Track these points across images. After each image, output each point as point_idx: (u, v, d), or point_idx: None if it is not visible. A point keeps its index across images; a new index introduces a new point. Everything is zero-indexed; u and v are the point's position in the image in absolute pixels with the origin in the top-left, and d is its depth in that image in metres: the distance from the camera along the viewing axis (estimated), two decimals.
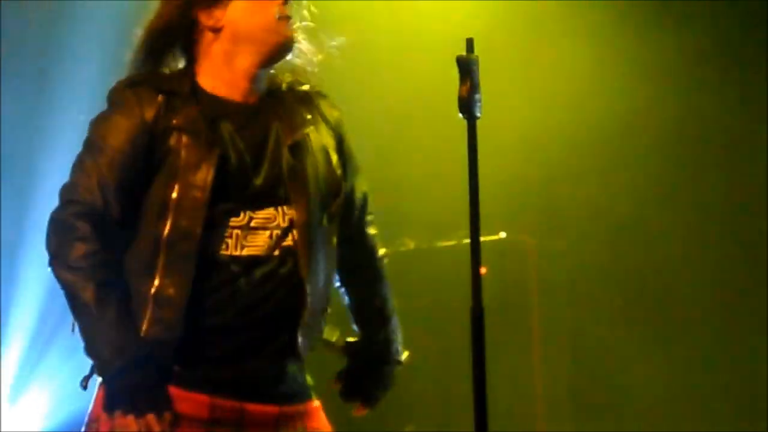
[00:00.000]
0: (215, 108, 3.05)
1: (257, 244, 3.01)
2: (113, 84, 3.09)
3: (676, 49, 6.14)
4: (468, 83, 3.14)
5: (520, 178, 6.20)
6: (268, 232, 3.02)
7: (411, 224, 6.35)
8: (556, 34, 6.30)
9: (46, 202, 3.08)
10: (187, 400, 2.95)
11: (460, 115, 3.17)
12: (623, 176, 6.25)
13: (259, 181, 3.02)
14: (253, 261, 3.00)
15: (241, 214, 3.01)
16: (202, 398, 2.96)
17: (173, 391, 2.93)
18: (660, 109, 6.19)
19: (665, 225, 6.21)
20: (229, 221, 2.99)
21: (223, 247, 2.98)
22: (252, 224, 3.01)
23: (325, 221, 3.09)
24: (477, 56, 3.16)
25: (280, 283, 3.01)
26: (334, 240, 3.15)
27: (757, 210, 6.03)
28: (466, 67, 3.15)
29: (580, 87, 6.25)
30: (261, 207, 3.02)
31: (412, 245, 6.34)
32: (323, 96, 3.27)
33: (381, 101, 6.26)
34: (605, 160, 6.25)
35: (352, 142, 3.33)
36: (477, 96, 3.14)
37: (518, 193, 6.18)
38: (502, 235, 6.09)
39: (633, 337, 6.15)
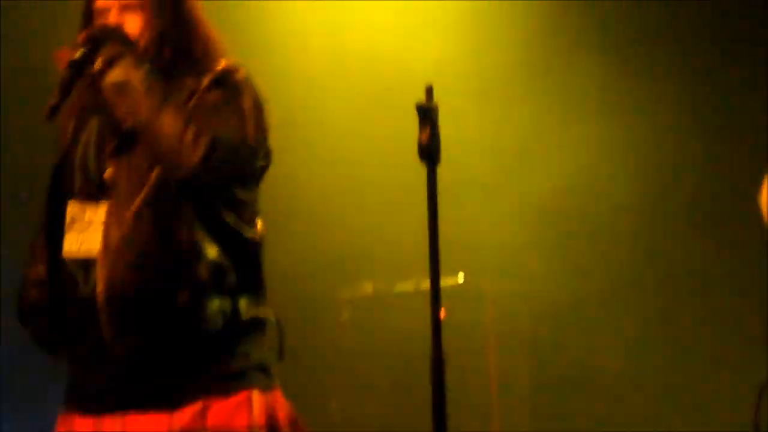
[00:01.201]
0: None
1: None
2: None
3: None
4: (428, 130, 3.17)
5: (477, 221, 6.21)
6: None
7: (370, 267, 6.35)
8: (523, 80, 6.34)
9: None
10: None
11: (420, 160, 3.20)
12: (585, 219, 6.27)
13: None
14: None
15: None
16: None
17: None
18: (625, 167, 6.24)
19: (627, 269, 6.23)
20: None
21: None
22: None
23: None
24: (436, 104, 3.19)
25: None
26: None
27: None
28: (426, 114, 3.18)
29: (538, 138, 6.30)
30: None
31: (370, 289, 6.33)
32: None
33: (342, 143, 6.27)
34: (564, 204, 6.26)
35: None
36: (437, 142, 3.18)
37: (475, 236, 6.18)
38: (461, 278, 6.09)
39: (592, 381, 6.15)
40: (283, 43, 6.34)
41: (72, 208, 3.06)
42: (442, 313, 5.97)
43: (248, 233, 3.07)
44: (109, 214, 2.99)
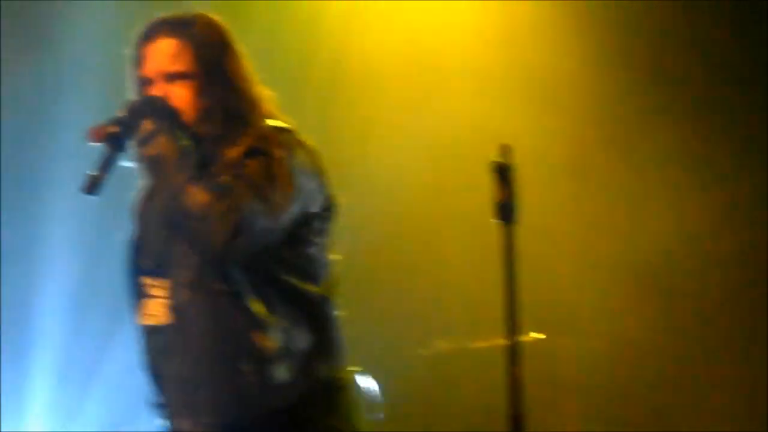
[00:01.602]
0: None
1: None
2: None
3: None
4: (504, 189, 3.18)
5: (551, 279, 6.20)
6: None
7: (445, 326, 6.35)
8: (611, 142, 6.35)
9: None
10: None
11: (496, 220, 3.21)
12: (671, 279, 6.24)
13: None
14: None
15: None
16: None
17: None
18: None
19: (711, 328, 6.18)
20: None
21: None
22: None
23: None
24: (513, 162, 3.20)
25: None
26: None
27: None
28: (502, 173, 3.19)
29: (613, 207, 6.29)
30: None
31: (446, 347, 6.33)
32: None
33: (416, 200, 6.29)
34: (638, 259, 6.24)
35: None
36: (513, 201, 3.18)
37: (553, 294, 6.17)
38: (536, 335, 6.08)
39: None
40: (362, 95, 6.39)
41: (144, 281, 3.12)
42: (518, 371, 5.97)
43: (313, 289, 3.06)
44: (169, 294, 3.05)
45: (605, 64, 6.30)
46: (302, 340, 3.00)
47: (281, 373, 2.97)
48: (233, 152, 2.98)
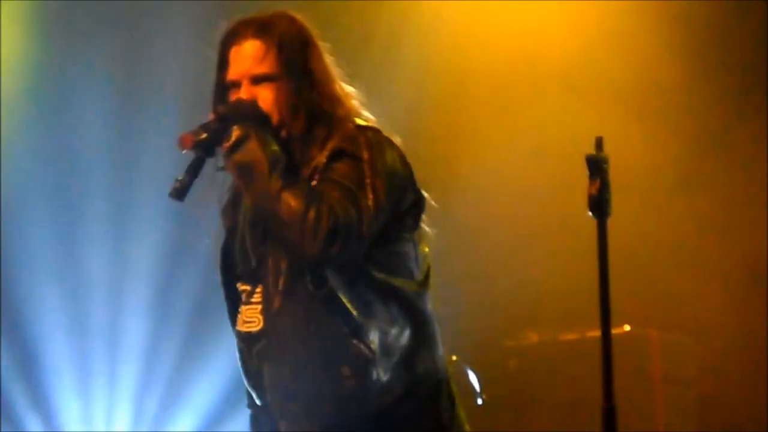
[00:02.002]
0: None
1: None
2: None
3: None
4: (598, 182, 3.18)
5: (645, 271, 6.19)
6: None
7: (535, 317, 6.36)
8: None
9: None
10: None
11: (589, 213, 3.21)
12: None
13: None
14: None
15: None
16: None
17: None
18: None
19: None
20: None
21: None
22: None
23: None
24: (607, 155, 3.19)
25: None
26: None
27: None
28: (596, 166, 3.18)
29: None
30: None
31: (536, 338, 6.34)
32: None
33: (509, 195, 6.31)
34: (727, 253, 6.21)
35: None
36: (606, 195, 3.18)
37: (642, 285, 6.15)
38: (627, 328, 6.07)
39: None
40: (451, 93, 6.43)
41: (240, 287, 3.12)
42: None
43: (407, 285, 3.04)
44: (263, 301, 3.05)
45: (702, 68, 6.27)
46: (400, 337, 2.99)
47: (381, 373, 2.96)
48: (321, 155, 2.97)
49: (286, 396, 3.03)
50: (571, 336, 6.05)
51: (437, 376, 3.06)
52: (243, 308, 3.10)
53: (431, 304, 3.11)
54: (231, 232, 3.15)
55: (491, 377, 6.28)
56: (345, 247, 2.87)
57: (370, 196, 2.92)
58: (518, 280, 6.32)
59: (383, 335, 2.98)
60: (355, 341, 2.96)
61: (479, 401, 2.81)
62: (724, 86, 6.28)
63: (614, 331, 5.71)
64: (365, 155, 2.96)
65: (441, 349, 3.10)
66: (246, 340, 3.09)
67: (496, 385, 6.27)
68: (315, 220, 2.84)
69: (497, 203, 6.38)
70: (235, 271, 3.13)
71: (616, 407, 3.16)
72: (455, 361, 3.20)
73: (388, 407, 2.98)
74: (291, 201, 2.87)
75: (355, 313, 2.97)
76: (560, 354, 6.07)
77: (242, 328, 3.09)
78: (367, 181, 2.93)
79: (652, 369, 6.05)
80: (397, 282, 3.03)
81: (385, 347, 2.98)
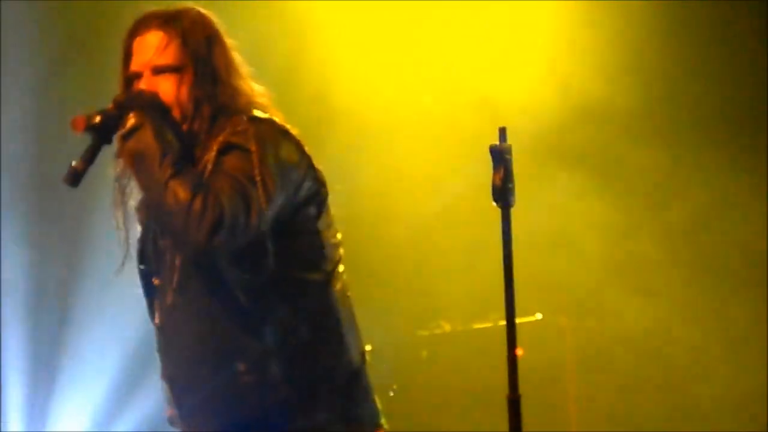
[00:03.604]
0: None
1: None
2: None
3: None
4: (501, 171, 3.19)
5: (551, 261, 6.23)
6: None
7: (447, 307, 6.38)
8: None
9: None
10: None
11: (494, 202, 3.22)
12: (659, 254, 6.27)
13: None
14: None
15: None
16: None
17: None
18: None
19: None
20: None
21: None
22: None
23: None
24: (510, 145, 3.21)
25: None
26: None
27: None
28: (500, 156, 3.20)
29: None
30: None
31: (448, 327, 6.36)
32: None
33: (417, 186, 6.33)
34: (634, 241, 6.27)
35: None
36: (510, 184, 3.20)
37: (550, 275, 6.19)
38: (538, 316, 6.11)
39: (671, 412, 6.12)
40: (362, 76, 6.43)
41: (154, 281, 3.11)
42: (520, 351, 6.01)
43: (313, 276, 3.03)
44: (159, 296, 3.05)
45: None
46: (303, 330, 2.98)
47: (279, 368, 2.95)
48: (213, 149, 2.95)
49: (182, 392, 3.02)
50: (484, 325, 6.08)
51: (346, 368, 3.04)
52: (156, 302, 3.09)
53: (343, 294, 3.09)
54: (145, 227, 3.13)
55: (404, 367, 6.30)
56: (230, 238, 2.85)
57: (260, 188, 2.89)
58: (431, 270, 6.33)
59: (281, 329, 2.96)
60: (250, 336, 2.94)
61: (391, 393, 2.80)
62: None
63: (526, 319, 5.87)
64: (254, 147, 2.93)
65: (353, 340, 3.07)
66: (156, 334, 3.09)
67: (410, 374, 6.30)
68: (200, 209, 2.82)
69: (407, 192, 6.39)
70: (151, 265, 3.11)
71: (520, 397, 3.18)
72: (369, 350, 3.15)
73: (288, 402, 2.96)
74: (178, 190, 2.84)
75: (250, 307, 2.95)
76: (473, 343, 6.10)
77: (155, 321, 3.09)
78: (256, 172, 2.90)
79: (564, 356, 6.10)
80: (303, 274, 3.01)
81: (284, 341, 2.96)
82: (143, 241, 3.13)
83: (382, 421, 3.10)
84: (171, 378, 3.05)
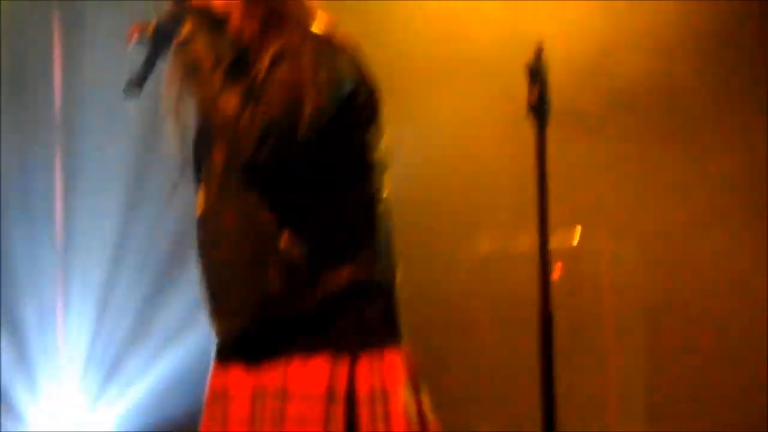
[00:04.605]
0: None
1: None
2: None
3: None
4: (537, 88, 3.20)
5: (591, 183, 6.21)
6: None
7: (486, 229, 6.38)
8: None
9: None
10: None
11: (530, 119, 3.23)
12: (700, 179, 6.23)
13: None
14: None
15: None
16: None
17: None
18: None
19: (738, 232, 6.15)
20: None
21: None
22: None
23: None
24: (546, 62, 3.21)
25: None
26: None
27: None
28: (536, 73, 3.20)
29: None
30: None
31: (485, 250, 6.37)
32: None
33: (452, 108, 6.30)
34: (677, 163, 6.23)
35: None
36: (545, 103, 3.20)
37: (589, 198, 6.18)
38: (576, 239, 6.10)
39: (711, 341, 6.11)
40: None
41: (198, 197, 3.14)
42: (557, 272, 6.03)
43: (357, 191, 3.02)
44: (204, 190, 3.07)
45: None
46: (336, 244, 2.98)
47: (310, 279, 2.96)
48: (266, 58, 2.94)
49: (216, 288, 3.05)
50: (524, 246, 6.05)
51: (378, 285, 3.04)
52: (200, 194, 3.12)
53: (383, 216, 3.07)
54: (199, 129, 3.13)
55: (443, 288, 6.34)
56: (278, 149, 2.87)
57: (310, 100, 2.89)
58: (470, 190, 6.33)
59: (316, 241, 2.97)
60: (285, 245, 2.95)
61: None
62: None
63: (563, 242, 5.86)
64: (307, 59, 2.92)
65: (387, 261, 3.07)
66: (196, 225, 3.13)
67: (449, 295, 6.33)
68: (249, 121, 2.85)
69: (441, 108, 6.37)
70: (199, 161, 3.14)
71: (552, 314, 3.20)
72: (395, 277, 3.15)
73: (314, 312, 2.97)
74: (228, 101, 2.88)
75: (289, 217, 2.96)
76: (514, 265, 6.09)
77: (198, 212, 3.12)
78: (308, 84, 2.90)
79: (600, 280, 6.10)
80: (340, 187, 3.01)
81: (318, 253, 2.97)
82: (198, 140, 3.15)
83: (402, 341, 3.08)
84: (206, 272, 3.07)
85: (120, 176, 6.35)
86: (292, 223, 2.96)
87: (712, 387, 6.06)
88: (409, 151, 6.03)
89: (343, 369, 2.95)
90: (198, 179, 3.15)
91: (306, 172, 2.96)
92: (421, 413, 3.04)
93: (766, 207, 6.07)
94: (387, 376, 2.99)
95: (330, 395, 2.93)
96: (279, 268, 2.96)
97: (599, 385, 5.99)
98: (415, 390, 3.05)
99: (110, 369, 6.40)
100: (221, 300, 3.04)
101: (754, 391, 6.01)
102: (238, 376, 3.03)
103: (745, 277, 6.06)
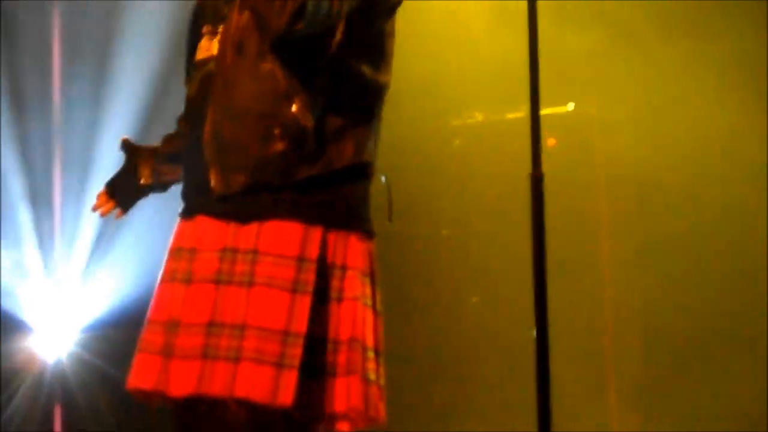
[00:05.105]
0: None
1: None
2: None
3: None
4: None
5: (586, 50, 6.20)
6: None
7: (480, 96, 6.39)
8: None
9: None
10: None
11: None
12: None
13: None
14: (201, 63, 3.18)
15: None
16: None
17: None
18: None
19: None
20: None
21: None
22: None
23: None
24: None
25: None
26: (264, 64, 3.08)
27: None
28: None
29: None
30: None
31: (480, 117, 6.40)
32: None
33: None
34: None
35: None
36: None
37: (583, 65, 6.17)
38: (570, 107, 6.13)
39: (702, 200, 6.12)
40: None
41: (203, 30, 3.20)
42: (552, 141, 6.07)
43: (369, 75, 3.10)
44: (221, 40, 3.11)
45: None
46: (340, 121, 3.06)
47: (310, 146, 3.03)
48: None
49: (214, 142, 3.09)
50: (517, 114, 6.08)
51: (369, 165, 3.14)
52: (201, 43, 3.19)
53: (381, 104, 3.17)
54: None
55: (437, 156, 6.38)
56: (310, 24, 2.94)
57: None
58: (461, 61, 6.33)
59: (324, 113, 3.04)
60: (294, 106, 3.02)
61: (383, 179, 2.83)
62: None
63: (556, 109, 5.89)
64: None
65: (374, 147, 3.16)
66: (197, 66, 3.18)
67: (442, 162, 6.37)
68: None
69: None
70: (201, 24, 3.21)
71: (543, 176, 3.25)
72: (384, 179, 3.22)
73: (307, 181, 3.04)
74: None
75: (303, 83, 3.02)
76: (506, 133, 6.12)
77: (198, 56, 3.18)
78: None
79: (593, 149, 6.13)
80: (354, 66, 3.08)
81: (323, 125, 3.04)
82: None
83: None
84: (209, 129, 3.10)
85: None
86: (306, 94, 3.02)
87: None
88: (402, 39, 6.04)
89: (315, 237, 3.02)
90: (193, 43, 3.23)
91: (329, 50, 3.02)
92: (375, 304, 3.12)
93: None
94: (350, 256, 3.06)
95: (301, 258, 2.99)
96: (288, 130, 3.02)
97: (592, 253, 6.06)
98: (373, 282, 3.12)
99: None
100: (226, 154, 3.07)
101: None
102: (208, 233, 3.07)
103: (735, 144, 6.06)
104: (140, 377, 3.05)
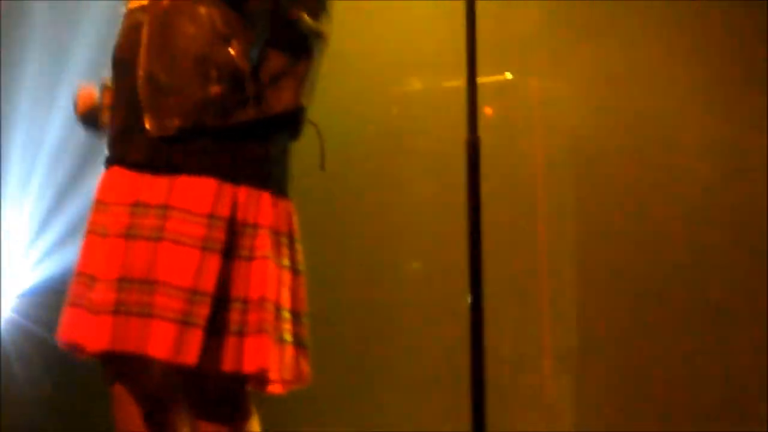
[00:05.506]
0: None
1: None
2: None
3: None
4: None
5: (524, 19, 6.21)
6: None
7: (419, 64, 6.40)
8: None
9: None
10: None
11: None
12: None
13: None
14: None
15: None
16: None
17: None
18: None
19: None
20: None
21: None
22: None
23: None
24: None
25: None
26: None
27: None
28: None
29: None
30: None
31: (419, 85, 6.41)
32: None
33: None
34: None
35: None
36: None
37: (521, 35, 6.19)
38: (508, 75, 6.16)
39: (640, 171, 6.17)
40: None
41: None
42: (488, 110, 6.10)
43: (306, 20, 3.10)
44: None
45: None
46: (279, 66, 3.06)
47: (246, 90, 3.02)
48: None
49: (151, 79, 3.06)
50: (455, 83, 6.09)
51: (300, 115, 3.14)
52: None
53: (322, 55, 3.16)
54: None
55: (375, 123, 6.39)
56: None
57: None
58: (401, 29, 6.34)
59: (262, 57, 3.04)
60: (232, 50, 3.02)
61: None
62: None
63: (494, 78, 5.91)
64: None
65: (310, 97, 3.16)
66: (127, 15, 3.14)
67: (379, 129, 6.40)
68: None
69: None
70: None
71: (479, 139, 3.27)
72: (316, 128, 3.22)
73: (243, 125, 3.04)
74: None
75: (240, 32, 3.03)
76: (444, 101, 6.14)
77: (129, 5, 3.13)
78: None
79: (532, 117, 6.17)
80: (297, 14, 3.08)
81: (261, 69, 3.04)
82: None
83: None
84: (146, 73, 3.07)
85: None
86: (243, 38, 3.02)
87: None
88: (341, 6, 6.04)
89: (227, 195, 3.01)
90: None
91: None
92: (295, 264, 3.12)
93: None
94: (261, 215, 3.05)
95: (212, 216, 2.98)
96: (225, 73, 3.01)
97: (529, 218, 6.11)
98: (291, 242, 3.12)
99: None
100: (162, 97, 3.04)
101: None
102: (121, 185, 3.05)
103: (678, 119, 6.10)
104: (67, 330, 3.06)
